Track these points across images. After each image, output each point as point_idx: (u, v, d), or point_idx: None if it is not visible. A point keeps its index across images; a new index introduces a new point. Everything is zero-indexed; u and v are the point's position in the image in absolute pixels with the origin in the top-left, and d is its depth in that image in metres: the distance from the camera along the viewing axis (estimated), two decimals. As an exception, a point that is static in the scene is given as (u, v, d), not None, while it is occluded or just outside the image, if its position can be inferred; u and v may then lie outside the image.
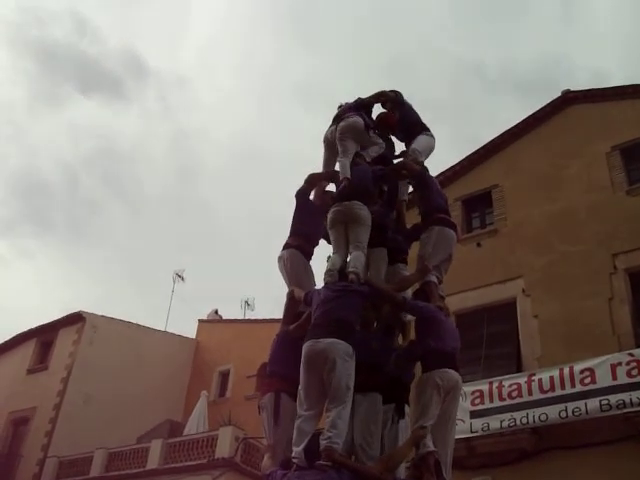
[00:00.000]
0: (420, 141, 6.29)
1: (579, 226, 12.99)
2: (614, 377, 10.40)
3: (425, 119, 6.62)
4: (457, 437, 4.99)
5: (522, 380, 11.31)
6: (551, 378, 10.95)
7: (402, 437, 4.74)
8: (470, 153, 15.52)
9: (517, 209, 14.12)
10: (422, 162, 6.18)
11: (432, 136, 6.47)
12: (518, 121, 15.22)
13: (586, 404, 10.37)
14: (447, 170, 15.08)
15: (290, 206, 6.07)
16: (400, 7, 61.05)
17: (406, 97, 6.68)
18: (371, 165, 5.97)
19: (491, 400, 11.39)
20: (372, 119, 6.42)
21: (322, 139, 6.41)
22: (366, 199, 5.51)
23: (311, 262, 5.82)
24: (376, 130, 6.32)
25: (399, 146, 6.67)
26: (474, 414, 11.31)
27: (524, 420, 10.86)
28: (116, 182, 59.86)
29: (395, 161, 6.40)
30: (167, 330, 25.35)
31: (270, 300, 46.06)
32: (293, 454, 4.33)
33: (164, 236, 58.18)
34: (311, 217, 5.93)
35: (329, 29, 62.67)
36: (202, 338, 25.78)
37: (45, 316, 46.99)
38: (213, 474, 16.05)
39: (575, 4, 60.82)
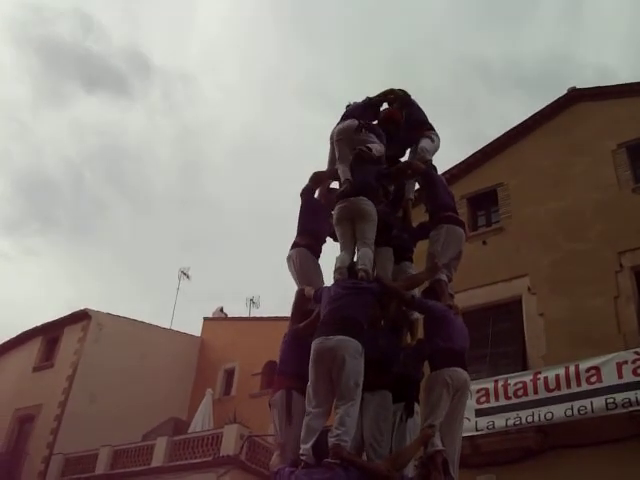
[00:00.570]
0: (427, 140, 6.30)
1: (585, 224, 12.96)
2: (620, 375, 10.38)
3: (428, 116, 6.63)
4: (462, 435, 5.00)
5: (527, 378, 11.30)
6: (557, 376, 10.94)
7: (412, 435, 4.74)
8: (476, 151, 15.50)
9: (523, 207, 14.10)
10: (429, 161, 6.19)
11: (437, 136, 6.49)
12: (524, 119, 15.19)
13: (592, 402, 10.35)
14: (453, 168, 15.07)
15: (295, 203, 6.12)
16: (403, 4, 61.00)
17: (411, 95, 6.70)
18: (376, 164, 5.94)
19: (496, 398, 11.38)
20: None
21: (328, 136, 6.42)
22: (371, 196, 5.49)
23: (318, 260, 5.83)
24: (380, 128, 6.30)
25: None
26: (479, 412, 11.30)
27: (529, 418, 10.85)
28: (121, 179, 60.12)
29: (402, 159, 6.41)
30: (172, 328, 25.42)
31: (275, 298, 46.15)
32: (301, 451, 4.33)
33: (169, 234, 58.39)
34: (317, 215, 5.96)
35: (332, 26, 62.68)
36: (207, 336, 25.80)
37: (51, 314, 47.14)
38: (218, 472, 16.07)
39: (581, 1, 60.67)
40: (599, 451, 10.18)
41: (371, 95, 6.60)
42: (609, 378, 10.43)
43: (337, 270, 5.20)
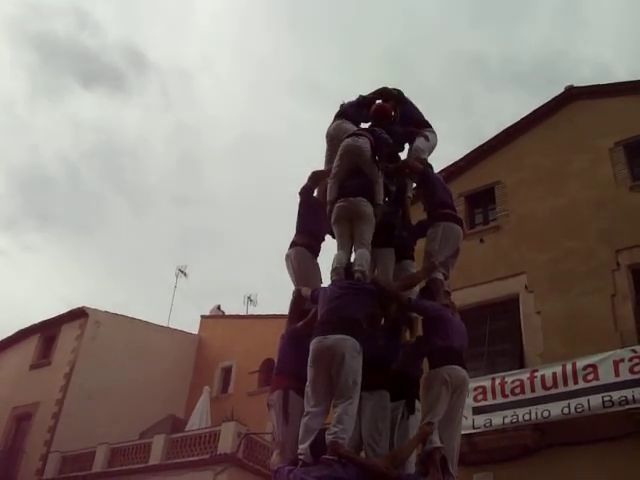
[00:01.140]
0: (421, 139, 6.29)
1: (582, 222, 12.97)
2: (617, 373, 10.39)
3: (424, 113, 6.63)
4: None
5: (525, 376, 11.31)
6: (554, 374, 10.96)
7: (412, 432, 4.75)
8: (473, 149, 15.51)
9: (520, 205, 14.11)
10: (425, 160, 6.18)
11: (434, 133, 6.48)
12: (521, 117, 15.20)
13: (588, 400, 10.37)
14: (450, 166, 15.05)
15: (292, 200, 6.11)
16: None
17: (405, 92, 6.68)
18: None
19: (494, 396, 11.39)
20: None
21: (324, 135, 6.42)
22: (369, 197, 5.45)
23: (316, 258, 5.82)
24: (373, 123, 6.29)
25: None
26: (476, 410, 11.31)
27: (526, 416, 10.86)
28: (118, 176, 60.02)
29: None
30: (170, 326, 25.44)
31: (273, 296, 46.19)
32: (299, 450, 4.34)
33: (166, 231, 58.33)
34: (316, 214, 5.94)
35: (326, 21, 62.64)
36: (205, 334, 25.81)
37: (48, 311, 47.06)
38: (215, 470, 16.08)
39: (578, -1, 60.62)
40: (596, 449, 10.20)
41: (364, 93, 6.59)
42: (606, 376, 10.44)
43: (334, 270, 5.20)
